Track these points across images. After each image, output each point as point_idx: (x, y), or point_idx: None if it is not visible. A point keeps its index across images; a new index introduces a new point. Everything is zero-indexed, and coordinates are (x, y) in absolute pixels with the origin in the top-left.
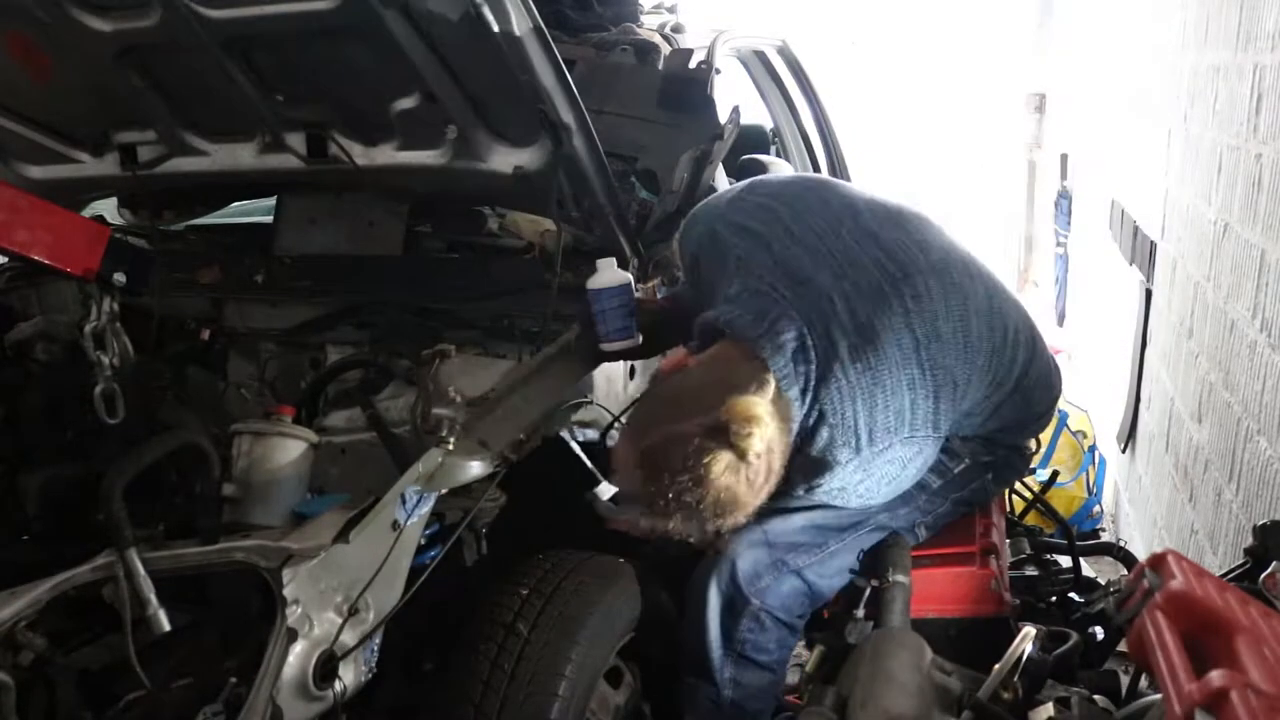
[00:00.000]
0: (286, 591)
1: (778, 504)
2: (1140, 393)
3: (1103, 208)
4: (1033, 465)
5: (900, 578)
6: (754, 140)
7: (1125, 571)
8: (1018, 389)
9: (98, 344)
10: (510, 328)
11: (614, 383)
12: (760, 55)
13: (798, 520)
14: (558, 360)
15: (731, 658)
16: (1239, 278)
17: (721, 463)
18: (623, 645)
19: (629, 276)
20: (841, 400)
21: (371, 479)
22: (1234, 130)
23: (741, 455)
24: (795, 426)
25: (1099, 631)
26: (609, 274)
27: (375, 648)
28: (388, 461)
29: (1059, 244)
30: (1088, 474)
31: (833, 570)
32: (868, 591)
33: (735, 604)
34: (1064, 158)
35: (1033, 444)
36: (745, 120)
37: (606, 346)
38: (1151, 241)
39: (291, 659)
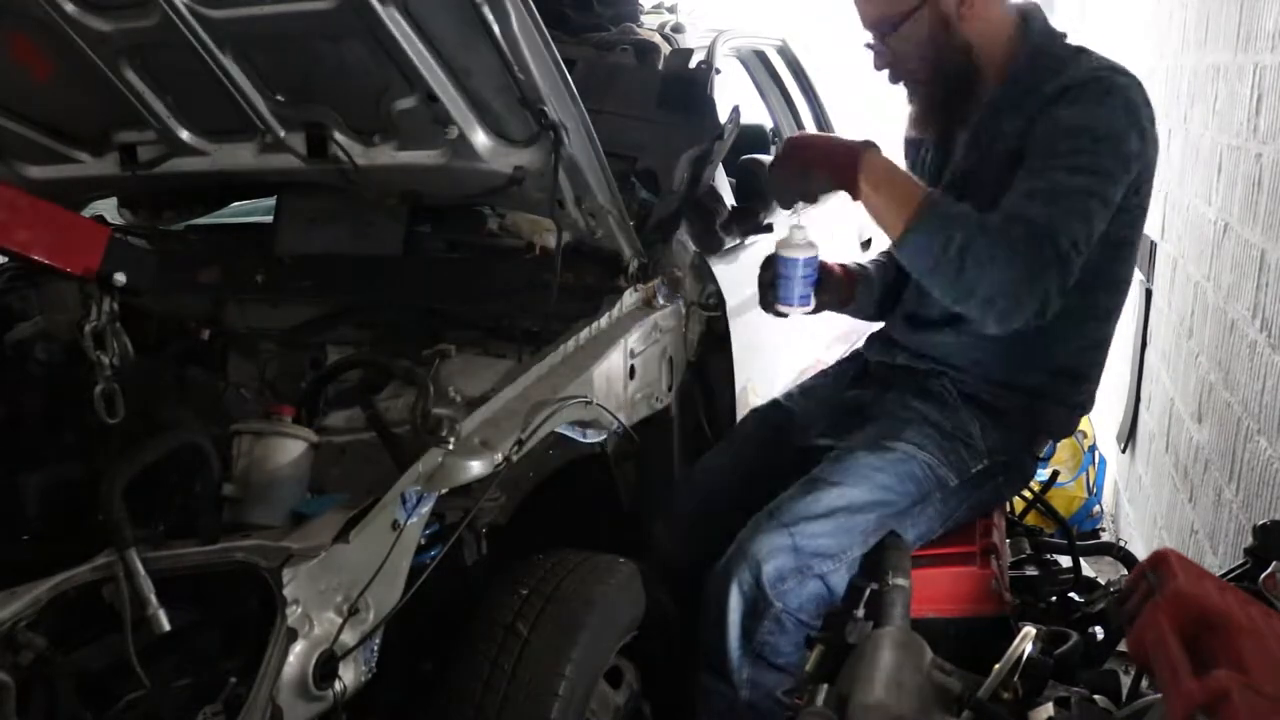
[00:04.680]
0: (286, 591)
1: (811, 510)
2: (1140, 393)
3: None
4: None
5: (900, 581)
6: (754, 140)
7: (1125, 571)
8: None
9: (98, 344)
10: (510, 328)
11: (614, 383)
12: (760, 55)
13: (827, 525)
14: (558, 360)
15: (750, 659)
16: (1239, 278)
17: None
18: (623, 645)
19: (818, 248)
20: None
21: (371, 479)
22: (1234, 130)
23: None
24: None
25: (1099, 631)
26: (801, 245)
27: (375, 648)
28: (388, 461)
29: None
30: (1088, 474)
31: (851, 573)
32: (868, 592)
33: (758, 606)
34: None
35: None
36: (745, 120)
37: (783, 308)
38: (1151, 241)
39: (291, 659)
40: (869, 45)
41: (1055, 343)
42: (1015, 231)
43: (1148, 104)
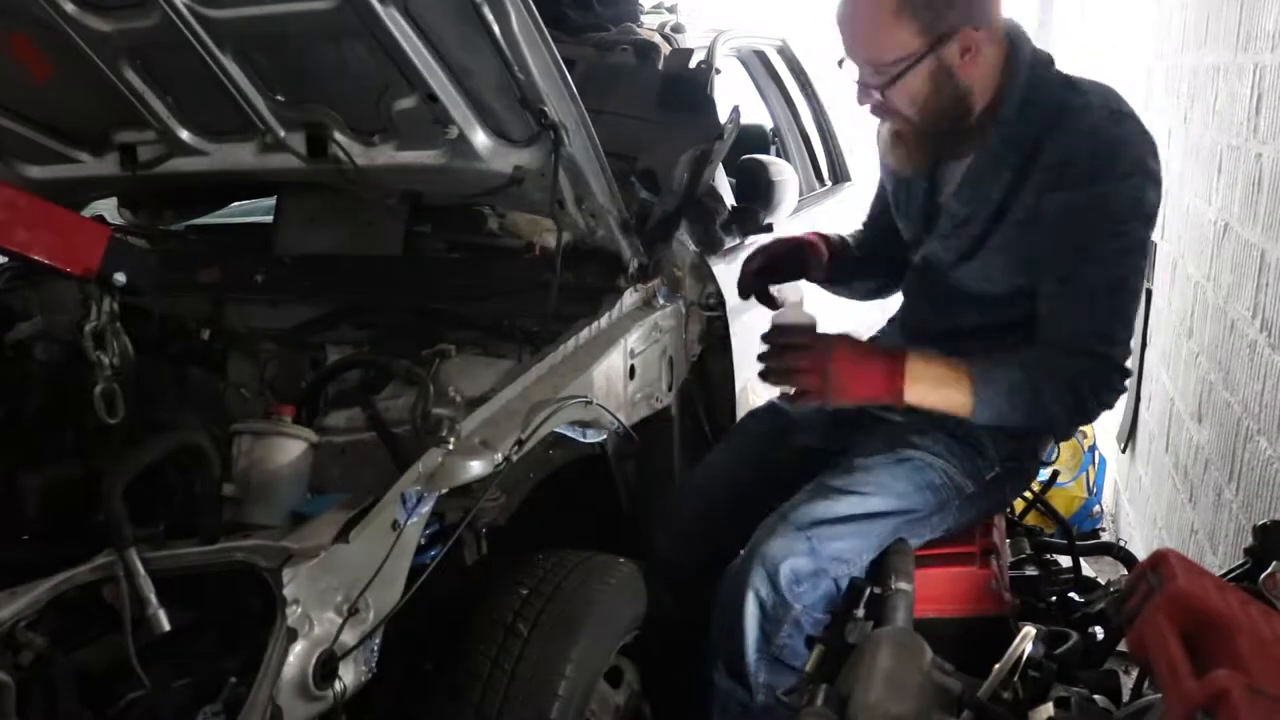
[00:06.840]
0: (286, 591)
1: (828, 515)
2: (1140, 393)
3: None
4: None
5: (903, 585)
6: (754, 140)
7: (1125, 571)
8: None
9: (98, 344)
10: (510, 328)
11: (614, 383)
12: (760, 55)
13: (845, 530)
14: (558, 360)
15: (767, 662)
16: (1239, 278)
17: None
18: (623, 645)
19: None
20: None
21: (371, 479)
22: (1234, 130)
23: None
24: None
25: (1099, 631)
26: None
27: (375, 648)
28: (388, 461)
29: None
30: (1088, 474)
31: (859, 573)
32: (868, 592)
33: (777, 610)
34: None
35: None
36: (745, 120)
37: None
38: (1151, 241)
39: (291, 659)
40: (860, 82)
41: None
42: (1075, 366)
43: (1150, 141)
